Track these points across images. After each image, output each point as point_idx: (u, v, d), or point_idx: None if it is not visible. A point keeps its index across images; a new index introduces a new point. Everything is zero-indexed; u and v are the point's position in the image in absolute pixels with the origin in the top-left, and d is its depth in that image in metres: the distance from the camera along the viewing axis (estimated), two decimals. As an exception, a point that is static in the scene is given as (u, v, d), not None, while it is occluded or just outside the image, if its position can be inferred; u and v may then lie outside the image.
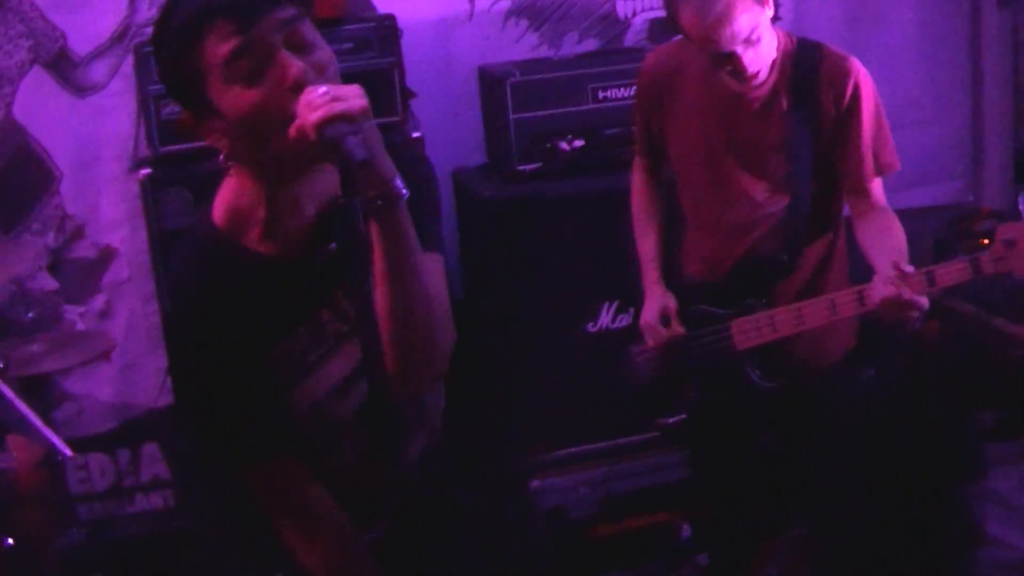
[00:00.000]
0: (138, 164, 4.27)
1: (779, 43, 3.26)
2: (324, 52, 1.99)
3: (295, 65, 1.89)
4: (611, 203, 4.29)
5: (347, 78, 1.97)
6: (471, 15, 4.80)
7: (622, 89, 4.38)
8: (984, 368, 4.16)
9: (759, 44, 3.14)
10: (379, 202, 1.90)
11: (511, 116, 4.33)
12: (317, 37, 1.99)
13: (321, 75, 1.94)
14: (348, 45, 4.08)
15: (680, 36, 3.28)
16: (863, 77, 3.30)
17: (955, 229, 3.19)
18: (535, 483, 4.40)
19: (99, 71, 4.46)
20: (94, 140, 4.50)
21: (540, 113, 4.36)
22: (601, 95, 4.39)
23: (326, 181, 2.07)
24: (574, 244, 4.37)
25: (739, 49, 3.10)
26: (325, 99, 1.83)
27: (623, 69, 4.38)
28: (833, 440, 3.51)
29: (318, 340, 2.16)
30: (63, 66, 4.43)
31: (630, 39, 4.97)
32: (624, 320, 4.43)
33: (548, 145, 4.37)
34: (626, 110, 4.33)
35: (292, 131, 1.87)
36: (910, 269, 3.05)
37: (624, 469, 4.47)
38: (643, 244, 3.68)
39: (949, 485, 4.02)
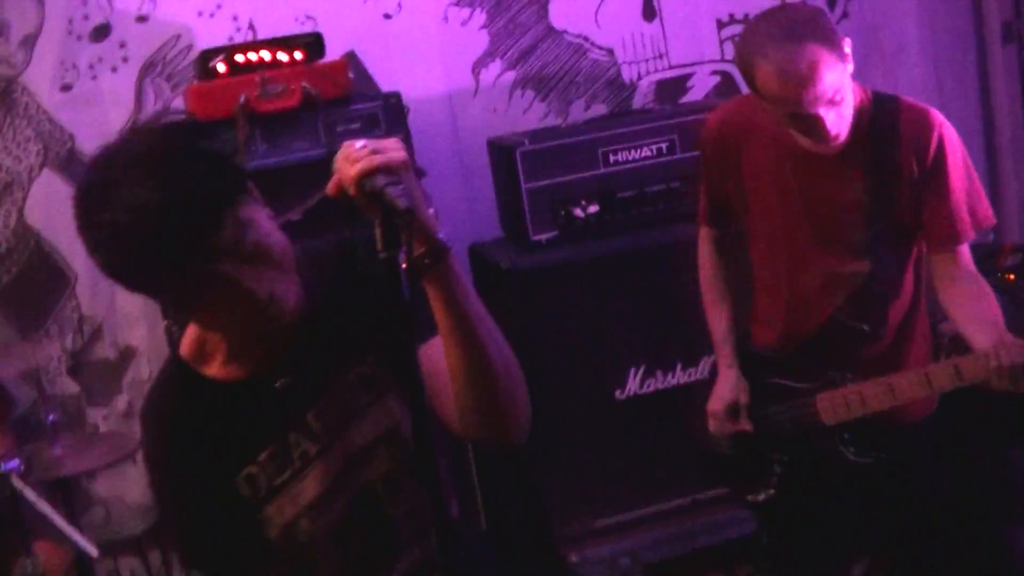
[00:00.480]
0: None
1: (855, 97, 3.06)
2: (277, 245, 2.01)
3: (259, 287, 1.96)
4: (631, 265, 4.29)
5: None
6: (477, 90, 4.80)
7: (633, 151, 4.35)
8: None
9: (842, 104, 2.95)
10: (427, 260, 1.84)
11: (524, 185, 4.28)
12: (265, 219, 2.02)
13: (281, 271, 2.02)
14: (356, 125, 4.05)
15: (742, 94, 3.20)
16: (947, 130, 3.10)
17: (981, 268, 3.10)
18: (574, 556, 4.30)
19: (108, 170, 4.42)
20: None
21: (553, 180, 4.31)
22: (612, 158, 4.35)
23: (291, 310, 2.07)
24: (597, 309, 4.32)
25: (822, 111, 2.91)
26: (364, 152, 1.79)
27: (633, 131, 4.37)
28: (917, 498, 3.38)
29: (284, 463, 2.15)
30: (73, 167, 4.41)
31: (637, 102, 4.96)
32: (652, 384, 4.37)
33: (563, 212, 4.32)
34: (638, 172, 4.35)
35: (331, 188, 1.83)
36: (1010, 339, 2.93)
37: (664, 535, 4.37)
38: (715, 322, 3.52)
39: (993, 526, 3.92)
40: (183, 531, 2.23)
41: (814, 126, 2.96)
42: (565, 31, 4.88)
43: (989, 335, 2.98)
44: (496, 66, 4.83)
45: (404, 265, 1.72)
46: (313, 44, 4.08)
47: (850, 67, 2.96)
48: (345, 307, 2.16)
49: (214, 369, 2.16)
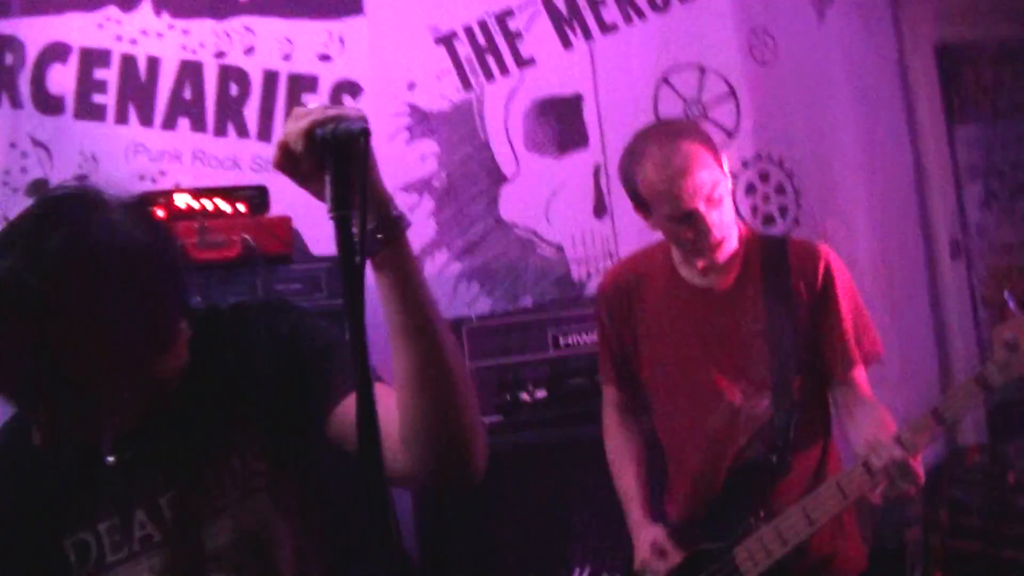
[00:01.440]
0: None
1: (740, 232, 3.12)
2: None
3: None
4: (579, 457, 4.04)
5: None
6: (421, 279, 4.64)
7: (585, 335, 4.17)
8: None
9: (722, 206, 2.99)
10: (380, 235, 1.64)
11: (469, 364, 4.08)
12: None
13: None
14: (297, 285, 3.86)
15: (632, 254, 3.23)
16: (833, 259, 3.14)
17: (952, 475, 3.00)
18: None
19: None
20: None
21: (500, 361, 4.12)
22: (563, 341, 4.18)
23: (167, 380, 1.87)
24: (540, 502, 4.05)
25: (702, 206, 2.95)
26: (317, 109, 1.61)
27: (585, 314, 4.19)
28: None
29: (122, 541, 1.89)
30: None
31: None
32: (601, 585, 4.08)
33: (508, 396, 4.11)
34: (591, 357, 4.15)
35: (276, 156, 1.62)
36: (886, 438, 2.85)
37: None
38: (623, 482, 3.35)
39: None
40: None
41: (699, 229, 2.98)
42: (514, 224, 4.79)
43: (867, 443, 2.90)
44: (442, 256, 4.70)
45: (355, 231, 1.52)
46: (257, 197, 3.91)
47: (728, 182, 3.03)
48: (231, 383, 1.91)
49: None
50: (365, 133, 1.55)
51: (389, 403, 1.71)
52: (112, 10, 4.40)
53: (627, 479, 3.34)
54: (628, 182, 3.08)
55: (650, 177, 2.98)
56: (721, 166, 3.02)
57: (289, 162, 1.61)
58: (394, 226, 1.65)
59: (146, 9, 4.43)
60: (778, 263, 3.12)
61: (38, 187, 4.27)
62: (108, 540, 1.88)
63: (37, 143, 4.28)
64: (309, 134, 1.58)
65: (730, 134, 4.89)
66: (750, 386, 3.10)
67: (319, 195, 1.59)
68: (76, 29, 4.38)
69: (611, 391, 3.43)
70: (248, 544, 1.88)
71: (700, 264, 3.10)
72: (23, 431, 1.87)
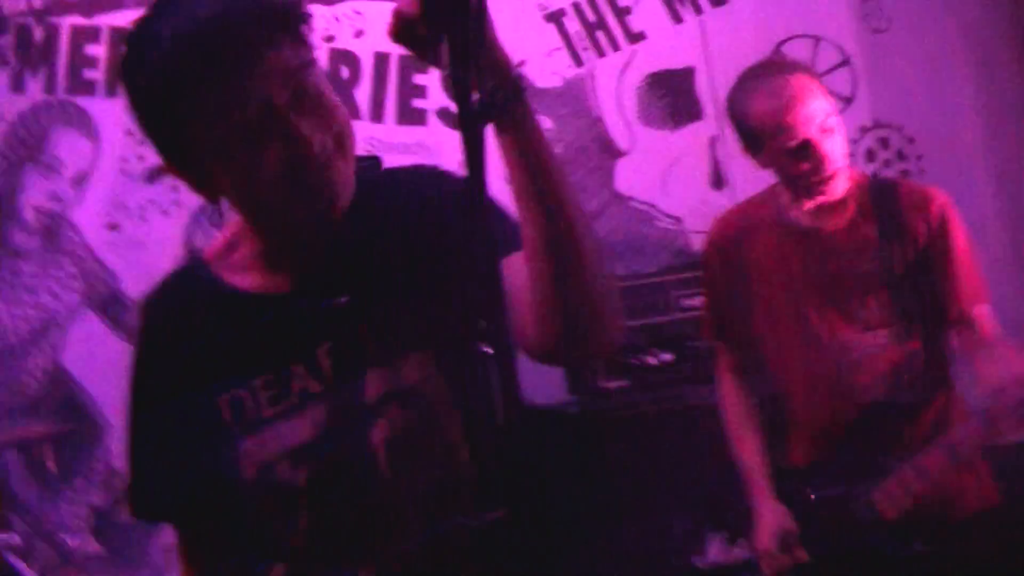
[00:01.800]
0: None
1: (850, 173, 3.06)
2: (340, 113, 1.72)
3: (311, 140, 1.64)
4: (709, 419, 3.96)
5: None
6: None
7: (709, 297, 4.11)
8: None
9: (834, 136, 2.96)
10: (499, 94, 1.55)
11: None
12: (327, 87, 1.72)
13: (340, 148, 1.70)
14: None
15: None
16: (949, 202, 3.08)
17: None
18: None
19: (153, 315, 4.21)
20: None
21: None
22: (687, 304, 4.10)
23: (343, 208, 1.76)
24: (671, 466, 3.96)
25: (816, 134, 2.92)
26: None
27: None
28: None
29: (279, 395, 1.81)
30: (115, 309, 4.20)
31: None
32: (736, 553, 3.95)
33: (634, 360, 4.05)
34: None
35: (392, 23, 1.56)
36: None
37: None
38: (744, 452, 3.25)
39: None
40: (141, 453, 1.89)
41: (814, 158, 2.93)
42: (631, 198, 4.74)
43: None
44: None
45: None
46: (372, 168, 3.91)
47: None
48: (406, 238, 1.83)
49: (235, 275, 1.85)
50: None
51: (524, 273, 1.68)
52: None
53: (748, 451, 3.25)
54: (739, 118, 3.07)
55: (761, 108, 2.97)
56: (831, 102, 3.01)
57: (405, 29, 1.55)
58: (514, 86, 1.57)
59: (257, -2, 4.47)
60: (892, 204, 3.07)
61: (155, 173, 4.32)
62: (264, 395, 1.81)
63: None
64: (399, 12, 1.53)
65: (848, 101, 4.80)
66: (869, 328, 3.03)
67: (438, 64, 1.49)
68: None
69: (725, 352, 3.34)
70: (405, 398, 1.79)
71: (812, 202, 3.03)
72: (185, 284, 1.88)
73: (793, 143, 2.93)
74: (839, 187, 3.00)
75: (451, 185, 1.80)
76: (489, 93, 1.53)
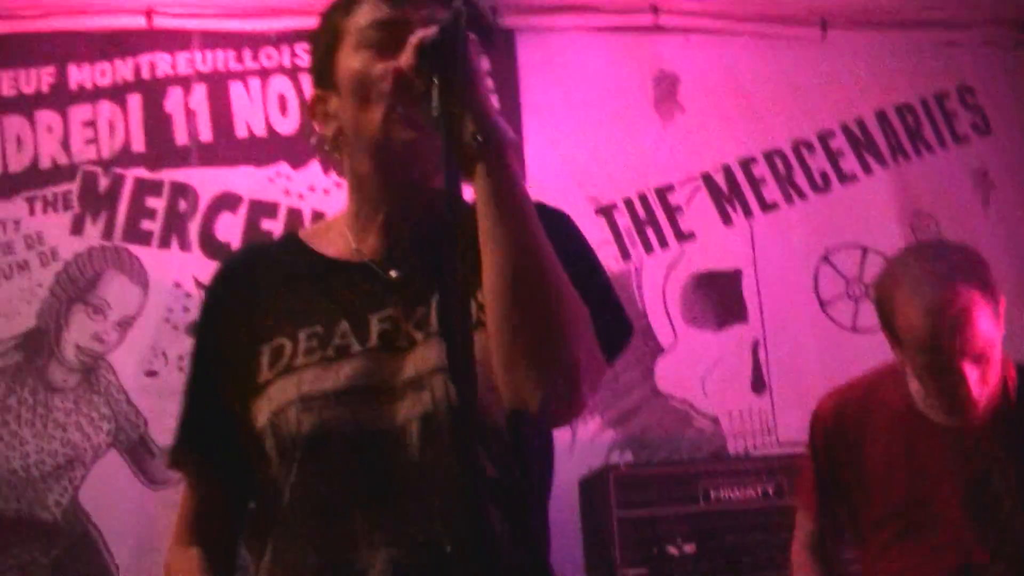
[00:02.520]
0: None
1: (1001, 367, 2.75)
2: None
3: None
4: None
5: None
6: (573, 442, 4.54)
7: (739, 491, 4.02)
8: None
9: (988, 365, 2.65)
10: (479, 137, 1.65)
11: (616, 513, 3.94)
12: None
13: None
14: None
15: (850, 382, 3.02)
16: None
17: None
18: None
19: (177, 466, 4.19)
20: (156, 535, 4.13)
21: (647, 512, 3.96)
22: (715, 495, 4.01)
23: (421, 208, 1.88)
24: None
25: (967, 367, 2.60)
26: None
27: (740, 469, 4.07)
28: None
29: (317, 347, 1.83)
30: (140, 454, 4.19)
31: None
32: None
33: (655, 549, 3.94)
34: (744, 514, 4.00)
35: (388, 82, 1.77)
36: None
37: None
38: None
39: None
40: (188, 401, 1.95)
41: (954, 387, 2.65)
42: (671, 396, 4.70)
43: None
44: (595, 423, 4.60)
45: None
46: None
47: (1001, 332, 2.68)
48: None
49: (321, 244, 1.96)
50: (459, 13, 1.62)
51: None
52: (283, 166, 4.60)
53: None
54: (885, 310, 2.75)
55: (915, 323, 2.64)
56: (997, 313, 2.66)
57: (403, 87, 1.72)
58: (492, 131, 1.66)
59: (314, 167, 4.61)
60: None
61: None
62: (304, 345, 1.83)
63: (200, 284, 4.39)
64: (418, 45, 1.66)
65: None
66: (995, 546, 2.74)
67: (429, 111, 1.63)
68: (248, 182, 4.58)
69: (808, 519, 3.07)
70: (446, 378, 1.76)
71: (946, 413, 2.78)
72: (269, 244, 2.11)
73: (940, 367, 2.65)
74: (981, 408, 2.71)
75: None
76: (470, 135, 1.64)
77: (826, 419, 3.01)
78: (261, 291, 1.92)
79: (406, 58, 1.68)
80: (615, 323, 1.86)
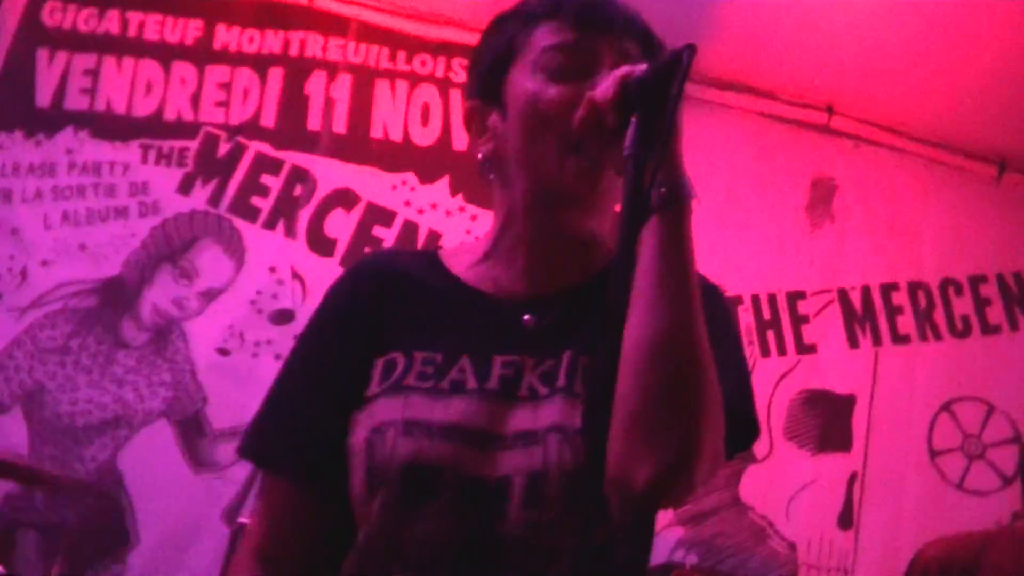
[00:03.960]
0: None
1: None
2: None
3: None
4: None
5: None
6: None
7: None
8: None
9: None
10: (663, 190, 1.54)
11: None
12: None
13: None
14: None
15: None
16: None
17: None
18: None
19: (226, 453, 3.99)
20: (188, 522, 3.95)
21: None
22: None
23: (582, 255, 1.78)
24: None
25: None
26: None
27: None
28: None
29: (431, 374, 1.70)
30: (191, 432, 3.99)
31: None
32: None
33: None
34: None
35: (581, 111, 1.62)
36: None
37: None
38: None
39: None
40: (284, 394, 1.79)
41: None
42: (751, 507, 4.39)
43: None
44: (666, 515, 4.31)
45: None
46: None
47: None
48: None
49: (459, 267, 1.84)
50: (691, 49, 1.50)
51: None
52: (410, 176, 4.43)
53: None
54: None
55: None
56: None
57: (593, 117, 1.60)
58: (680, 186, 1.56)
59: (442, 185, 4.43)
60: None
61: (283, 316, 4.19)
62: (419, 368, 1.71)
63: (296, 275, 4.24)
64: (623, 80, 1.57)
65: (1008, 481, 4.45)
66: None
67: (611, 152, 1.59)
68: (371, 183, 4.40)
69: None
70: (565, 435, 1.63)
71: None
72: (406, 255, 1.98)
73: None
74: None
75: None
76: (660, 184, 1.53)
77: (929, 567, 2.85)
78: (388, 302, 1.80)
79: (606, 90, 1.58)
80: (745, 419, 1.70)
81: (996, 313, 4.71)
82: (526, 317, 1.74)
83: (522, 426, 1.65)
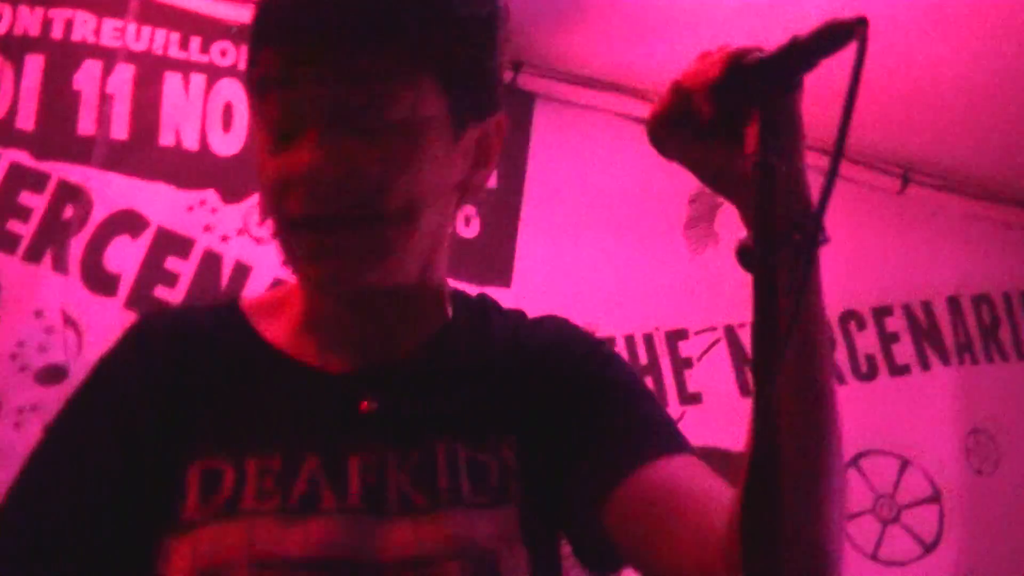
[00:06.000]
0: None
1: None
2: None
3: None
4: None
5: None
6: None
7: None
8: None
9: None
10: (795, 235, 1.23)
11: None
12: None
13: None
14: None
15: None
16: None
17: None
18: None
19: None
20: None
21: None
22: None
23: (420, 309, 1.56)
24: None
25: None
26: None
27: None
28: None
29: (272, 490, 1.42)
30: None
31: None
32: None
33: None
34: None
35: (664, 101, 1.32)
36: None
37: None
38: None
39: None
40: (43, 488, 1.46)
41: None
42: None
43: None
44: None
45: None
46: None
47: None
48: (486, 366, 1.58)
49: (272, 330, 1.56)
50: (862, 23, 1.12)
51: (705, 483, 1.42)
52: (211, 194, 3.62)
53: None
54: None
55: None
56: None
57: (680, 108, 1.28)
58: (810, 213, 1.25)
59: (251, 205, 3.62)
60: None
61: (53, 374, 3.33)
62: (255, 483, 1.43)
63: (69, 321, 3.39)
64: (733, 60, 1.24)
65: (927, 548, 3.99)
66: None
67: (697, 164, 1.35)
68: (162, 204, 3.58)
69: None
70: (479, 562, 1.42)
71: None
72: (204, 314, 1.62)
73: None
74: None
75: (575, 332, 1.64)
76: (792, 221, 1.23)
77: None
78: (190, 380, 1.50)
79: (706, 70, 1.26)
80: None
81: (905, 351, 4.22)
82: (363, 403, 1.48)
83: (406, 551, 1.41)
